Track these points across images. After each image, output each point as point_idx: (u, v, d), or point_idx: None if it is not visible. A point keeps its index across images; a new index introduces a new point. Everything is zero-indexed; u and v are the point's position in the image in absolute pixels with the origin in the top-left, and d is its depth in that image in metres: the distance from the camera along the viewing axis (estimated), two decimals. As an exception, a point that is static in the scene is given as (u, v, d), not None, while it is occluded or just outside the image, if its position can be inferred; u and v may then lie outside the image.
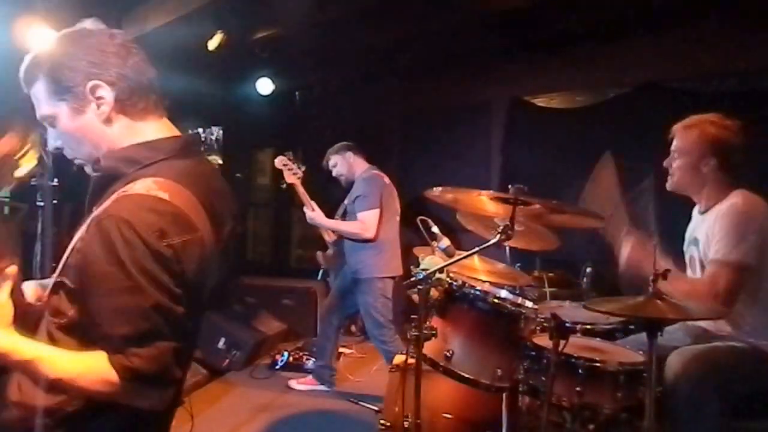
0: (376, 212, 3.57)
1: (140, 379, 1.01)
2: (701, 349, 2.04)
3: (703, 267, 2.17)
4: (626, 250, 2.23)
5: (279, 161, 3.83)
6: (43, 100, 1.17)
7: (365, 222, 3.55)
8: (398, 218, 3.76)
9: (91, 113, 1.16)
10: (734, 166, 2.17)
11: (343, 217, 3.84)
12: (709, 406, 1.91)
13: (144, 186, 1.07)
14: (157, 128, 1.22)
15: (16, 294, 1.15)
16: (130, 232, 1.01)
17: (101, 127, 1.17)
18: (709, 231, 2.14)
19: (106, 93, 1.15)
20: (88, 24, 1.21)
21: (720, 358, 2.02)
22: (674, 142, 2.27)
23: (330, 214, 3.84)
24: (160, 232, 1.03)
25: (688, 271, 2.32)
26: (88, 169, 1.24)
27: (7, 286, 1.12)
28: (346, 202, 3.80)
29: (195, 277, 1.10)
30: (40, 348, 1.07)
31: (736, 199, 2.12)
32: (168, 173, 1.12)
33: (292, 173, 3.79)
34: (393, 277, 3.67)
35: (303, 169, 3.84)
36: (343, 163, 3.84)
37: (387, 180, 3.77)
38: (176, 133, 1.26)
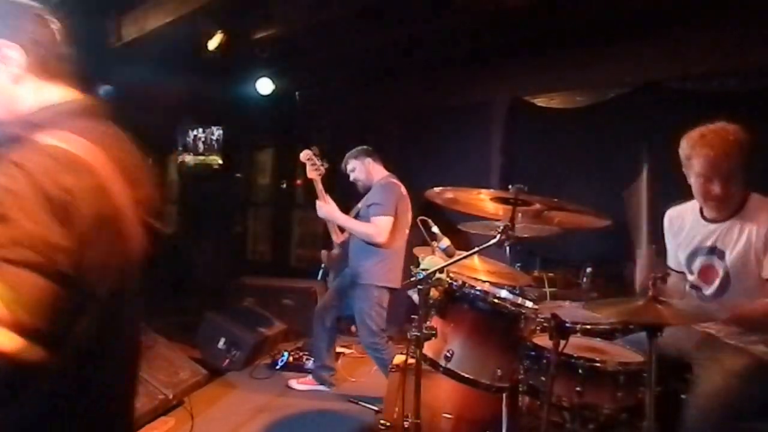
0: (390, 220, 3.53)
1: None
2: (720, 392, 1.98)
3: (727, 278, 2.13)
4: (641, 270, 2.22)
5: (304, 155, 3.81)
6: None
7: (379, 226, 3.51)
8: (407, 231, 3.70)
9: (1, 73, 1.19)
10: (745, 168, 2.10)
11: (356, 219, 3.81)
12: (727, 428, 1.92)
13: (44, 139, 1.08)
14: (61, 91, 1.24)
15: None
16: (20, 173, 0.98)
17: (10, 87, 1.20)
18: (748, 244, 2.07)
19: (17, 54, 1.19)
20: None
21: (739, 396, 1.97)
22: (707, 158, 2.06)
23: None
24: (53, 173, 1.00)
25: (694, 279, 2.27)
26: None
27: None
28: (360, 205, 3.77)
29: (93, 227, 1.03)
30: None
31: (760, 204, 2.07)
32: (71, 130, 1.12)
33: (314, 169, 3.77)
34: (391, 289, 3.64)
35: (326, 166, 3.82)
36: (362, 168, 3.80)
37: (404, 191, 3.73)
38: (81, 96, 1.27)
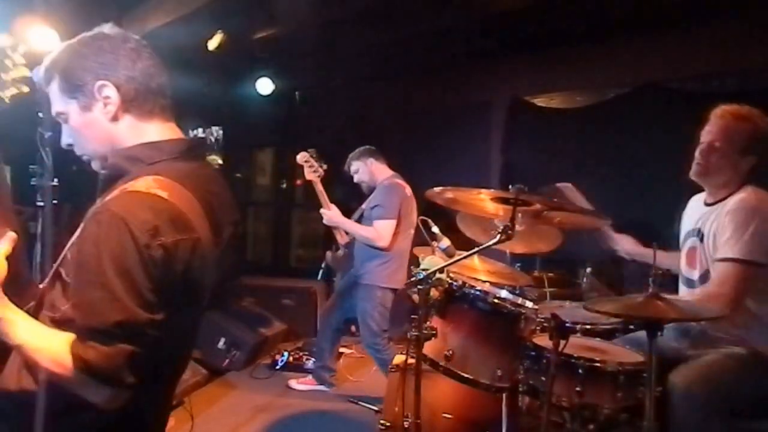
0: (392, 223, 3.53)
1: (90, 372, 1.02)
2: (702, 367, 1.98)
3: (706, 261, 2.12)
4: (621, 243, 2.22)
5: (301, 157, 3.78)
6: (56, 98, 1.23)
7: (380, 231, 3.51)
8: (412, 232, 3.68)
9: (98, 111, 1.20)
10: (762, 167, 2.10)
11: (359, 221, 3.78)
12: (714, 425, 1.89)
13: (145, 184, 1.09)
14: (162, 130, 1.25)
15: (14, 260, 1.16)
16: (122, 228, 1.02)
17: (108, 125, 1.21)
18: (717, 227, 2.07)
19: (113, 93, 1.20)
20: (106, 28, 1.26)
21: (723, 375, 1.96)
22: (716, 127, 2.11)
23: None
24: (154, 230, 1.04)
25: (683, 262, 2.26)
26: (95, 166, 1.27)
27: (3, 246, 1.14)
28: (364, 206, 3.76)
29: (186, 280, 1.11)
30: (17, 311, 1.10)
31: (745, 194, 2.05)
32: (169, 173, 1.14)
33: (312, 170, 3.75)
34: (394, 290, 3.64)
35: (324, 167, 3.79)
36: (365, 169, 3.78)
37: (409, 191, 3.71)
38: (181, 136, 1.30)
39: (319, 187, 3.72)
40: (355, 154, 3.84)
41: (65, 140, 1.28)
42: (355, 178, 3.85)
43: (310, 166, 3.77)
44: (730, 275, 1.97)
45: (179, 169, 1.18)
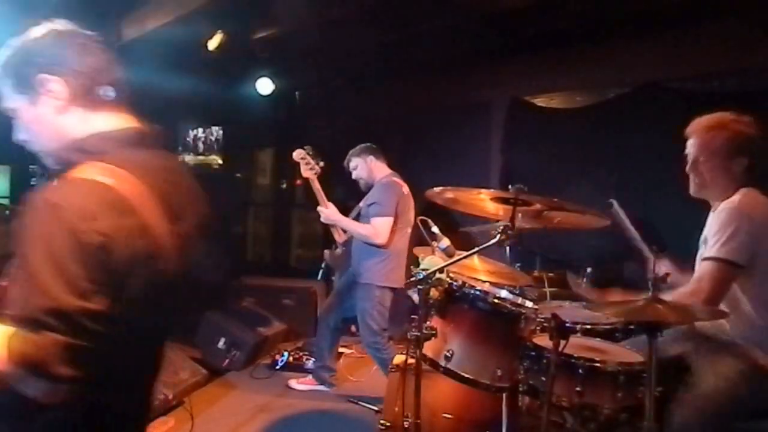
0: (389, 220, 3.53)
1: (21, 363, 1.00)
2: (713, 394, 1.97)
3: None
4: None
5: (297, 154, 3.78)
6: (6, 94, 1.24)
7: (377, 228, 3.51)
8: (410, 230, 3.69)
9: (45, 106, 1.21)
10: (758, 165, 2.11)
11: (357, 219, 3.78)
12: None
13: (89, 171, 1.09)
14: (112, 119, 1.25)
15: None
16: (54, 214, 1.01)
17: (56, 118, 1.22)
18: (708, 229, 2.11)
19: (59, 87, 1.20)
20: (58, 24, 1.27)
21: (731, 399, 1.96)
22: (695, 145, 2.16)
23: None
24: (91, 215, 1.02)
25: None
26: (49, 161, 1.27)
27: None
28: (361, 204, 3.76)
29: (136, 269, 1.07)
30: None
31: (736, 196, 2.07)
32: (117, 161, 1.13)
33: (309, 168, 3.75)
34: (393, 289, 3.64)
35: (321, 164, 3.79)
36: (364, 166, 3.79)
37: (406, 190, 3.72)
38: (135, 125, 1.28)
39: (316, 185, 3.72)
40: (356, 150, 3.85)
41: (18, 135, 1.28)
42: (354, 175, 3.85)
43: (306, 164, 3.76)
44: (706, 273, 2.00)
45: (129, 157, 1.17)
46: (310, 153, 3.79)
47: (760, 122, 2.14)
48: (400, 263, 3.66)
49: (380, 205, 3.56)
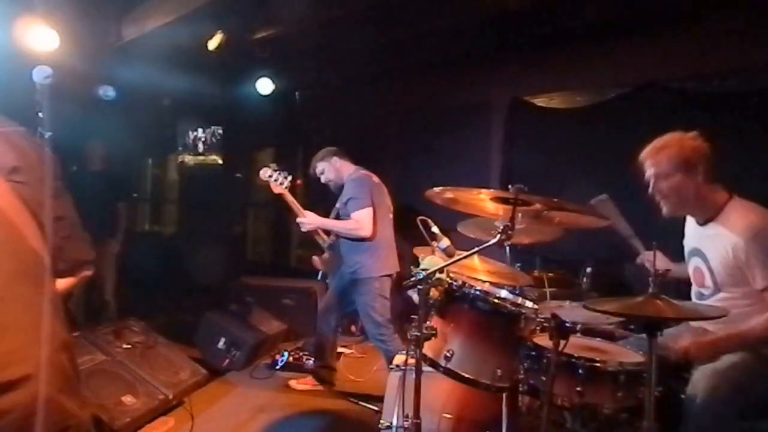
0: (369, 211, 3.56)
1: None
2: (725, 369, 2.02)
3: (714, 281, 2.18)
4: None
5: (263, 173, 3.81)
6: None
7: (360, 221, 3.54)
8: (391, 216, 3.75)
9: None
10: (712, 170, 2.17)
11: (336, 219, 3.81)
12: (729, 423, 1.94)
13: None
14: None
15: None
16: None
17: None
18: (728, 251, 2.09)
19: None
20: None
21: (741, 378, 2.00)
22: (652, 169, 2.24)
23: (325, 217, 3.82)
24: None
25: (692, 278, 2.33)
26: None
27: None
28: (338, 205, 3.77)
29: None
30: None
31: (749, 216, 2.09)
32: None
33: (278, 184, 3.78)
34: (390, 275, 3.66)
35: (289, 178, 3.81)
36: (330, 168, 3.82)
37: (376, 179, 3.76)
38: None
39: (289, 198, 3.76)
40: (318, 156, 3.89)
41: None
42: (322, 179, 3.89)
43: (274, 180, 3.79)
44: None
45: None
46: (276, 169, 3.82)
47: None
48: (391, 249, 3.70)
49: (356, 198, 3.58)
